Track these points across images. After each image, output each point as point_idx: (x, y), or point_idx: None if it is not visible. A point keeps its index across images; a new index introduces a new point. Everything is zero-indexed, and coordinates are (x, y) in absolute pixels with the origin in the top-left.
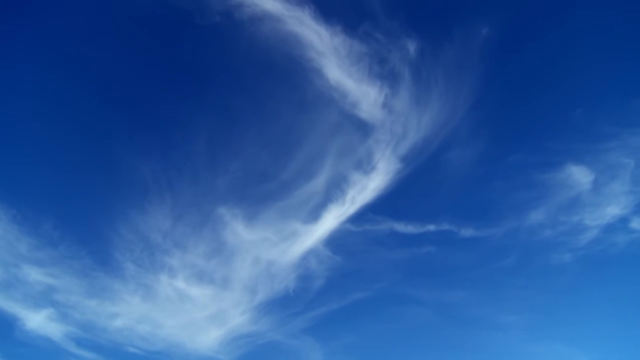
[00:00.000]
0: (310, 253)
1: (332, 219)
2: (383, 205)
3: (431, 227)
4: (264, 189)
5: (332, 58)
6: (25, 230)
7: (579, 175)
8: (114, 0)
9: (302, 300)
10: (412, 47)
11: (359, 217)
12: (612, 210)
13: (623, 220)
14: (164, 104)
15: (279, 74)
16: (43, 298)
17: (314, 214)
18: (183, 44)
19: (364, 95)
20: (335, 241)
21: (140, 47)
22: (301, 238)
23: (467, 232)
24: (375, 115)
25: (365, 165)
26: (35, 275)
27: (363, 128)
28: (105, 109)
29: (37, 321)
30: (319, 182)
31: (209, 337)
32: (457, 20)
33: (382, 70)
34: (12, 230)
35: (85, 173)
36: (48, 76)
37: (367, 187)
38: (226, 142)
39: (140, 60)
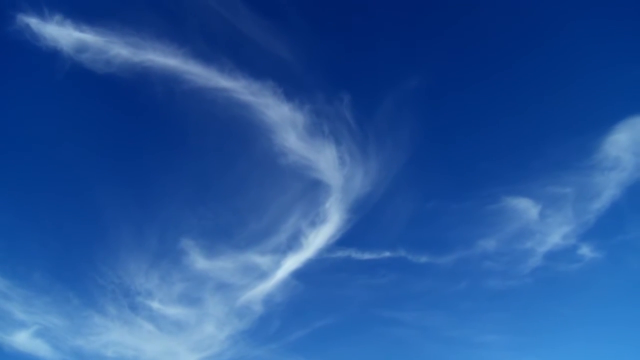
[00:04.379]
0: (280, 285)
1: (297, 257)
2: (344, 241)
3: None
4: (232, 239)
5: (287, 127)
6: (18, 282)
7: (524, 207)
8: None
9: (271, 330)
10: (348, 113)
11: (324, 250)
12: (554, 239)
13: (572, 247)
14: (140, 168)
15: (244, 142)
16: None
17: (281, 253)
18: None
19: (316, 158)
20: (303, 273)
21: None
22: (269, 274)
23: (421, 258)
24: (329, 175)
25: (321, 216)
26: (28, 316)
27: (319, 188)
28: (87, 168)
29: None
30: (284, 228)
31: None
32: (386, 80)
33: (329, 135)
34: (5, 282)
35: (70, 227)
36: (34, 140)
37: (321, 233)
38: (196, 202)
39: (117, 132)
